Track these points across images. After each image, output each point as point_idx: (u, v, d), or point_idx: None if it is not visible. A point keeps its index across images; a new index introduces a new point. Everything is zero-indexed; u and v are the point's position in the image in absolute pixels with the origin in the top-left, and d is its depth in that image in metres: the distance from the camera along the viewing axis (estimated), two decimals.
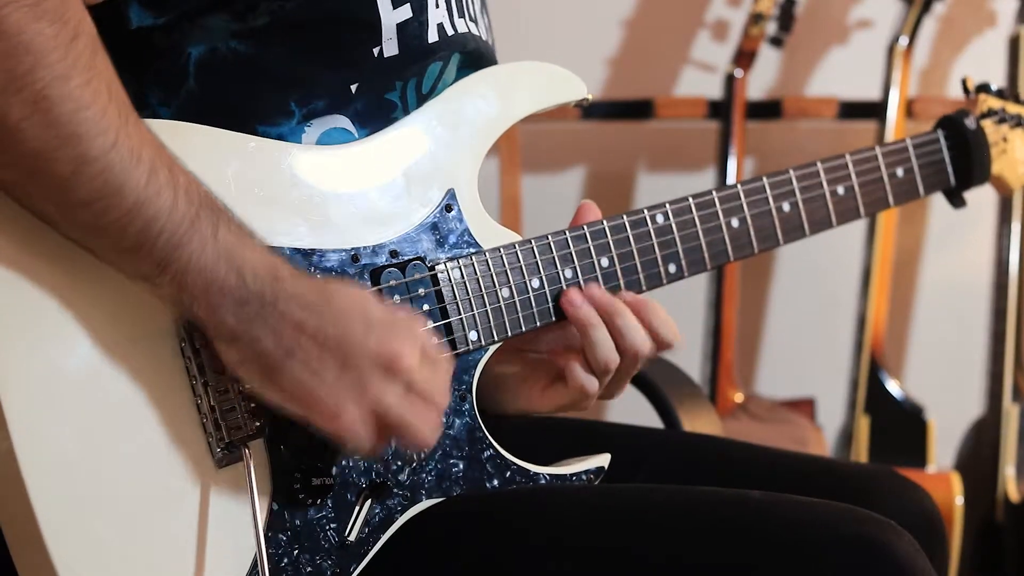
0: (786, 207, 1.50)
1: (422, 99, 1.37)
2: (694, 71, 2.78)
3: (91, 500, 1.17)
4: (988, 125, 1.66)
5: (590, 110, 2.70)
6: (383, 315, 1.23)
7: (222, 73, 1.30)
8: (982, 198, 2.77)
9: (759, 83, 2.76)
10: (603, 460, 1.40)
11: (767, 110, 2.73)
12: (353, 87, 1.32)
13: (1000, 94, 1.69)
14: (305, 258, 1.28)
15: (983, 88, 1.68)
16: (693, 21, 2.77)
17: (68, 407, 1.17)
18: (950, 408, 2.75)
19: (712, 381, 2.66)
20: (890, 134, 2.62)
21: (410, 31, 1.33)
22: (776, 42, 2.65)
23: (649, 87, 2.76)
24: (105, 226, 1.16)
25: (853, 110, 2.71)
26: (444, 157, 1.37)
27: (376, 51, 1.32)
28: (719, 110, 2.66)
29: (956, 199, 1.66)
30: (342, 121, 1.34)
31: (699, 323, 2.73)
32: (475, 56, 1.43)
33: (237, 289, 1.18)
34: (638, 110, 2.71)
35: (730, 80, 2.64)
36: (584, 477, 1.39)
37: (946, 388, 2.84)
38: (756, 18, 2.59)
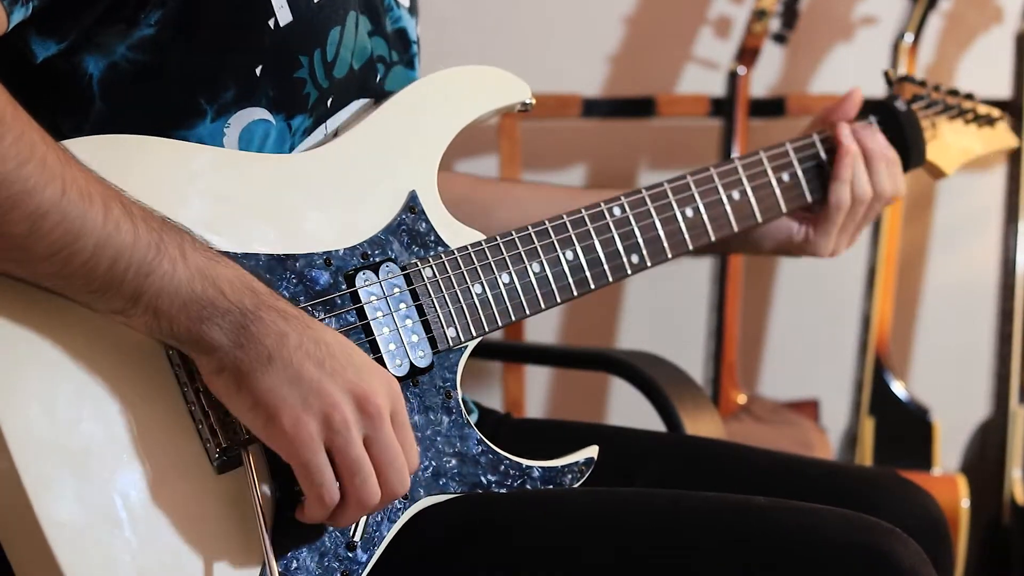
0: (736, 195, 1.56)
1: (329, 69, 1.36)
2: (696, 68, 2.77)
3: (97, 514, 1.16)
4: (917, 110, 1.70)
5: (591, 108, 2.69)
6: (363, 357, 1.22)
7: (126, 87, 1.28)
8: (988, 198, 2.77)
9: (762, 80, 2.75)
10: (592, 451, 1.41)
11: (770, 108, 2.72)
12: (258, 70, 1.31)
13: (923, 83, 1.73)
14: (280, 264, 1.28)
15: (906, 78, 1.73)
16: (695, 18, 2.76)
17: (65, 424, 1.16)
18: (956, 410, 2.74)
19: (715, 382, 2.65)
20: None
21: None
22: (779, 39, 2.64)
23: (651, 85, 2.75)
24: (71, 273, 1.14)
25: None
26: (402, 161, 1.39)
27: (272, 23, 1.31)
28: (722, 108, 2.65)
29: None
30: (258, 112, 1.33)
31: (701, 324, 2.71)
32: (370, 8, 1.43)
33: (217, 300, 1.17)
34: (640, 108, 2.69)
35: (733, 77, 2.62)
36: (576, 468, 1.40)
37: (952, 390, 2.82)
38: (759, 15, 2.58)
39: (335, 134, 1.41)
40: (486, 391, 2.70)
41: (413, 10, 1.52)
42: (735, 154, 2.60)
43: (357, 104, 1.43)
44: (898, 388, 2.65)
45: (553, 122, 2.74)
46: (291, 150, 1.37)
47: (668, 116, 2.70)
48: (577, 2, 2.76)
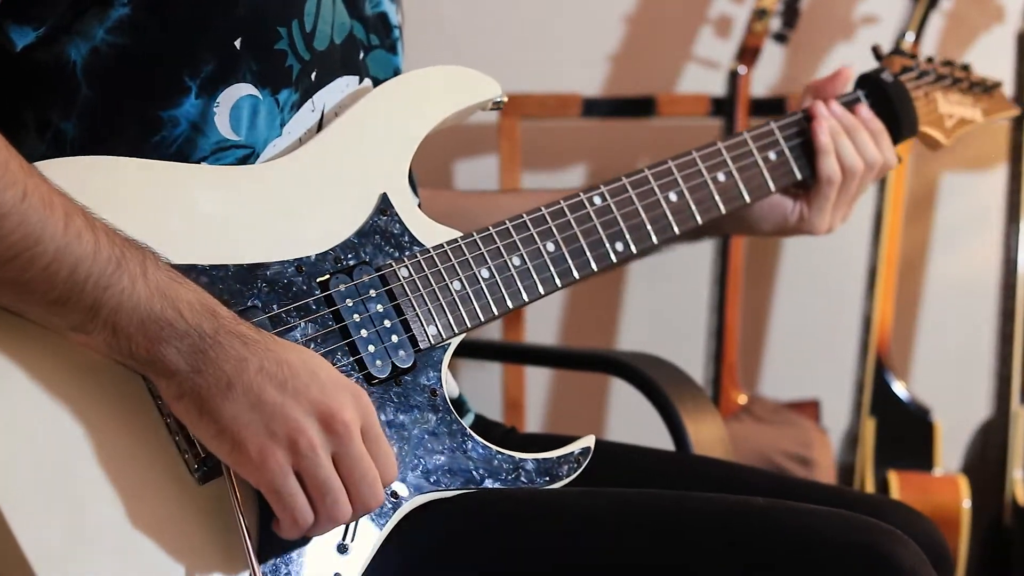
0: (721, 177, 1.54)
1: (309, 40, 1.36)
2: (697, 68, 2.76)
3: (79, 534, 1.15)
4: (907, 81, 1.68)
5: (591, 108, 2.68)
6: (329, 373, 1.21)
7: (109, 71, 1.28)
8: (990, 198, 2.76)
9: (763, 80, 2.74)
10: (588, 441, 1.40)
11: (771, 107, 2.71)
12: (236, 43, 1.31)
13: (913, 56, 1.72)
14: (249, 273, 1.27)
15: (895, 52, 1.72)
16: (696, 17, 2.75)
17: (40, 446, 1.16)
18: (957, 410, 2.73)
19: (715, 382, 2.64)
20: None
21: None
22: (780, 38, 2.63)
23: (651, 84, 2.74)
24: (30, 280, 1.14)
25: None
26: (371, 164, 1.38)
27: None
28: (722, 107, 2.64)
29: None
30: (245, 88, 1.33)
31: (702, 324, 2.71)
32: None
33: (175, 322, 1.16)
34: (640, 107, 2.69)
35: (733, 77, 2.62)
36: (572, 459, 1.39)
37: (953, 390, 2.81)
38: (760, 14, 2.57)
39: (322, 111, 1.40)
40: (486, 393, 2.70)
41: None
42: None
43: (342, 81, 1.43)
44: (899, 388, 2.64)
45: (553, 122, 2.73)
46: (282, 126, 1.37)
47: (668, 116, 2.69)
48: (577, 2, 2.76)
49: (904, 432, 2.64)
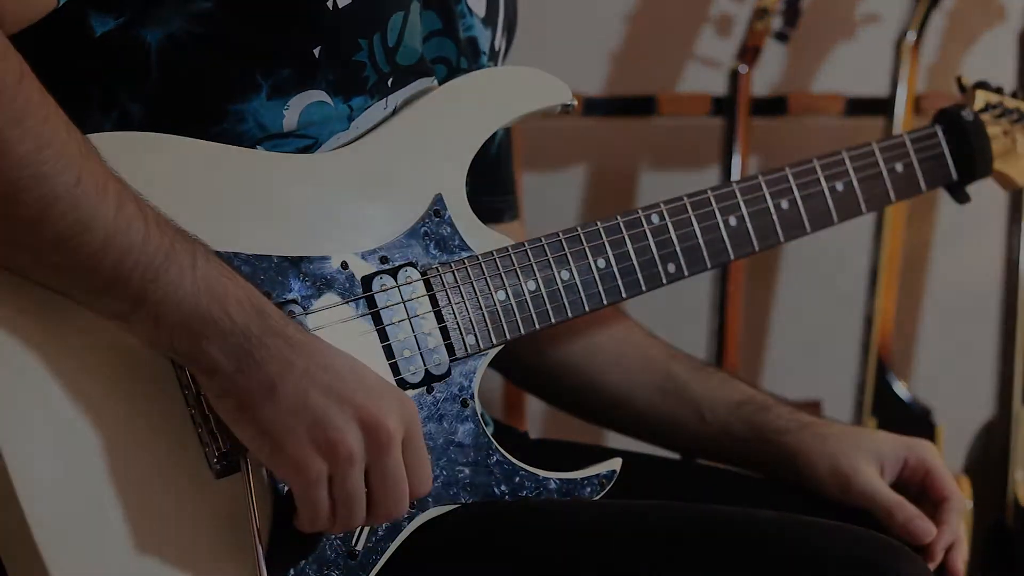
0: (784, 205, 1.49)
1: (390, 54, 1.34)
2: (698, 67, 2.75)
3: (88, 517, 1.15)
4: (987, 119, 1.64)
5: (592, 107, 2.68)
6: (376, 379, 1.20)
7: (183, 57, 1.27)
8: (991, 197, 2.74)
9: (764, 79, 2.73)
10: (615, 464, 1.39)
11: (772, 106, 2.70)
12: (316, 51, 1.30)
13: (999, 90, 1.68)
14: (293, 266, 1.26)
15: (980, 84, 1.67)
16: (697, 16, 2.74)
17: (60, 424, 1.15)
18: (959, 410, 2.73)
19: None
20: (898, 130, 2.59)
21: None
22: (781, 37, 2.63)
23: (652, 83, 2.73)
24: (77, 265, 1.13)
25: (860, 106, 2.68)
26: (430, 163, 1.35)
27: (330, 3, 1.29)
28: (723, 106, 2.63)
29: (959, 193, 1.65)
30: (318, 95, 1.32)
31: (703, 324, 2.70)
32: (443, 8, 1.41)
33: (220, 320, 1.15)
34: (641, 106, 2.68)
35: (734, 76, 2.61)
36: (596, 481, 1.38)
37: (955, 390, 2.81)
38: (761, 13, 2.56)
39: (395, 108, 1.38)
40: (484, 393, 2.68)
41: (488, 22, 1.49)
42: (736, 153, 2.59)
43: (420, 83, 1.40)
44: (900, 389, 2.64)
45: (553, 121, 2.72)
46: (350, 121, 1.35)
47: (669, 115, 2.69)
48: (577, 1, 2.75)
49: (905, 433, 2.60)
